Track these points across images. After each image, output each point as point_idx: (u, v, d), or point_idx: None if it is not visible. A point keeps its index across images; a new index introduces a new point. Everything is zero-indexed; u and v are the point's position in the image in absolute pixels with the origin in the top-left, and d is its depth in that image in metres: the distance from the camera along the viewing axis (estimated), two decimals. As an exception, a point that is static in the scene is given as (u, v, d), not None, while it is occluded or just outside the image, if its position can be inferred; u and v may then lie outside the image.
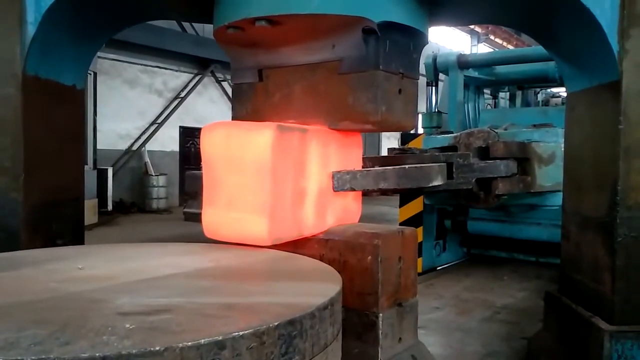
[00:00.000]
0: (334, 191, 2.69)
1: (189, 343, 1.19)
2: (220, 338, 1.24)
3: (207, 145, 2.49)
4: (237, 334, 1.27)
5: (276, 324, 1.36)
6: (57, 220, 3.08)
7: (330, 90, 2.60)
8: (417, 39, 2.71)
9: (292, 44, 2.66)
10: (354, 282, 2.38)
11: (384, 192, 3.26)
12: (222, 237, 2.51)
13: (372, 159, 3.39)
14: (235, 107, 2.93)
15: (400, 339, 2.52)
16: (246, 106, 2.86)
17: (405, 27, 2.57)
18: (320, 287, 1.79)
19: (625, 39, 2.65)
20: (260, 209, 2.32)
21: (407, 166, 2.90)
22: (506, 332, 4.18)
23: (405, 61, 2.66)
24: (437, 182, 2.97)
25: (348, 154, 2.84)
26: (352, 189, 2.71)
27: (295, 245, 2.53)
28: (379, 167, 2.89)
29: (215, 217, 2.48)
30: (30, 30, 2.75)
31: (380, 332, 2.38)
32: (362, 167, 2.92)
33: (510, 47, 31.48)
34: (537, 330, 3.69)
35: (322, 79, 2.63)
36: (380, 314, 2.38)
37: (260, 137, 2.31)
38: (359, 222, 2.93)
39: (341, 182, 2.68)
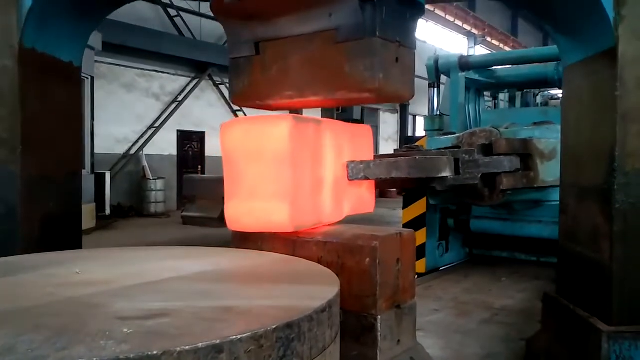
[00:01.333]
0: (349, 180, 2.77)
1: (187, 347, 1.19)
2: (218, 342, 1.24)
3: (227, 141, 2.60)
4: (235, 337, 1.27)
5: (274, 327, 1.36)
6: (55, 196, 3.06)
7: (327, 60, 2.59)
8: (413, 8, 2.70)
9: (288, 13, 2.64)
10: (352, 285, 2.38)
11: (388, 188, 3.28)
12: (245, 228, 2.60)
13: (381, 157, 3.43)
14: (233, 82, 2.90)
15: (399, 341, 2.52)
16: (243, 80, 2.85)
17: None
18: (318, 289, 1.79)
19: (620, 5, 2.65)
20: (281, 197, 2.42)
21: (417, 157, 2.98)
22: (505, 334, 4.18)
23: (402, 30, 2.64)
24: (446, 173, 3.05)
25: (360, 146, 2.92)
26: (366, 178, 2.78)
27: (294, 248, 2.54)
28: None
29: (238, 208, 2.58)
30: (27, 1, 2.73)
31: (378, 334, 2.38)
32: None
33: (507, 48, 31.61)
34: (536, 332, 3.70)
35: (319, 49, 2.61)
36: (379, 316, 2.38)
37: (278, 128, 2.42)
38: (356, 224, 2.94)
39: (355, 171, 2.76)
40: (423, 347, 2.80)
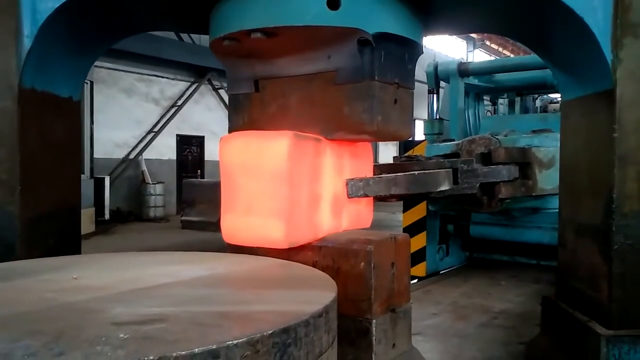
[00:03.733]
0: (348, 197, 2.78)
1: (183, 352, 1.20)
2: (214, 347, 1.25)
3: (226, 155, 2.61)
4: (231, 342, 1.27)
5: (270, 332, 1.37)
6: (54, 233, 3.07)
7: (326, 101, 2.62)
8: (411, 49, 2.73)
9: (287, 55, 2.68)
10: (347, 289, 2.39)
11: (384, 199, 3.32)
12: (240, 242, 2.62)
13: (380, 167, 3.46)
14: (232, 118, 2.94)
15: (394, 344, 2.53)
16: (242, 116, 2.87)
17: (400, 37, 2.59)
18: (315, 294, 1.79)
19: (618, 48, 2.66)
20: (277, 213, 2.43)
21: (416, 172, 3.03)
22: (503, 337, 4.18)
23: (401, 71, 2.68)
24: (445, 186, 3.10)
25: (360, 163, 2.93)
26: (366, 195, 2.80)
27: (289, 252, 2.55)
28: (389, 174, 2.97)
29: (234, 222, 2.60)
30: (27, 43, 2.76)
31: (373, 338, 2.39)
32: (373, 175, 3.00)
33: (506, 52, 31.65)
34: (535, 335, 3.70)
35: (317, 90, 2.64)
36: (374, 320, 2.39)
37: (277, 144, 2.43)
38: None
39: (355, 189, 2.77)
40: (418, 350, 2.81)
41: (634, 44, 2.67)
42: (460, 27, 3.95)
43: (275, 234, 2.45)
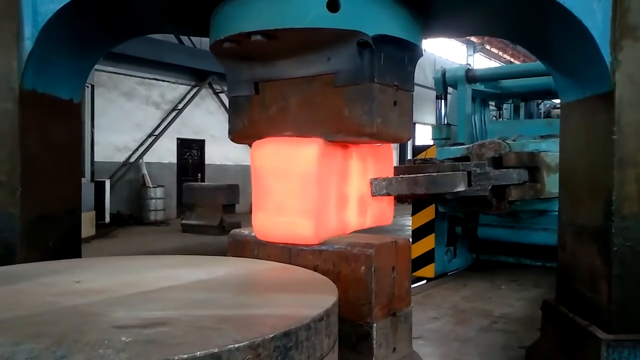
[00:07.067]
0: (372, 196, 2.90)
1: (185, 356, 1.21)
2: (216, 350, 1.25)
3: (258, 159, 2.75)
4: (232, 346, 1.28)
5: (271, 335, 1.37)
6: (54, 235, 3.07)
7: (325, 103, 2.62)
8: (411, 51, 2.74)
9: (287, 57, 2.68)
10: (347, 293, 2.40)
11: (403, 198, 3.47)
12: (272, 239, 2.74)
13: (398, 168, 3.60)
14: (232, 120, 2.94)
15: (394, 349, 2.53)
16: (243, 118, 2.88)
17: (400, 40, 2.60)
18: (316, 298, 1.80)
19: (617, 50, 2.67)
20: (307, 213, 2.56)
21: (435, 174, 3.19)
22: (504, 342, 4.17)
23: (400, 74, 2.68)
24: (461, 187, 3.24)
25: (382, 164, 3.04)
26: (388, 194, 2.91)
27: (290, 256, 2.57)
28: (407, 174, 3.11)
29: (266, 221, 2.73)
30: (28, 45, 2.77)
31: (374, 342, 2.39)
32: (393, 175, 3.13)
33: (506, 56, 31.72)
34: (535, 340, 3.70)
35: (317, 92, 2.64)
36: (374, 324, 2.39)
37: (307, 150, 2.56)
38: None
39: (379, 188, 2.89)
40: (419, 354, 2.81)
41: (632, 46, 2.68)
42: (460, 30, 3.95)
43: (305, 231, 2.57)
